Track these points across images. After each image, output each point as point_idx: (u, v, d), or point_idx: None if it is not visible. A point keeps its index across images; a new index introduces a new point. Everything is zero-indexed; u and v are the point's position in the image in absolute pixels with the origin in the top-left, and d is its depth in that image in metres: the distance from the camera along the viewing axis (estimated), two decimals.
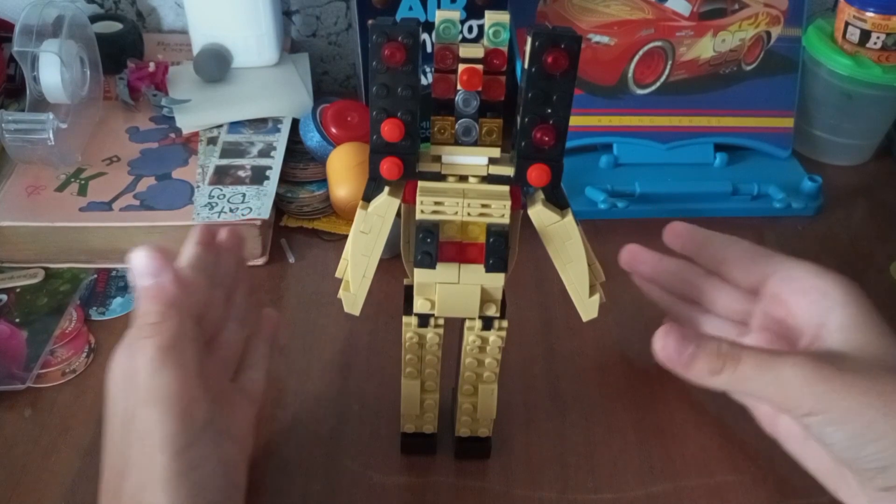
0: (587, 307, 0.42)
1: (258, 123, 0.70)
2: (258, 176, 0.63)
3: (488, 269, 0.39)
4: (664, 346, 0.43)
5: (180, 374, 0.37)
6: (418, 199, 0.38)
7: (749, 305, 0.48)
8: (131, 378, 0.37)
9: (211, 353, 0.43)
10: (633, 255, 0.54)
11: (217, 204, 0.60)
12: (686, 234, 0.52)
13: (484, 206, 0.38)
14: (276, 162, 0.65)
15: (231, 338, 0.45)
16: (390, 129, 0.37)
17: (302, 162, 0.68)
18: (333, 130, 0.66)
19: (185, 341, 0.38)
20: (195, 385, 0.38)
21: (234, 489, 0.40)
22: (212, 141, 0.68)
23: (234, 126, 0.69)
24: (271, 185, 0.62)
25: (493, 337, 0.43)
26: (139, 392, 0.37)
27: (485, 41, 0.37)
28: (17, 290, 0.57)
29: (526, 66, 0.36)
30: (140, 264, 0.39)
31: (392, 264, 0.50)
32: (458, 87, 0.37)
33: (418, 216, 0.39)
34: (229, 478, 0.39)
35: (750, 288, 0.48)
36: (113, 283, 0.59)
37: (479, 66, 0.36)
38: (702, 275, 0.51)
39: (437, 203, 0.38)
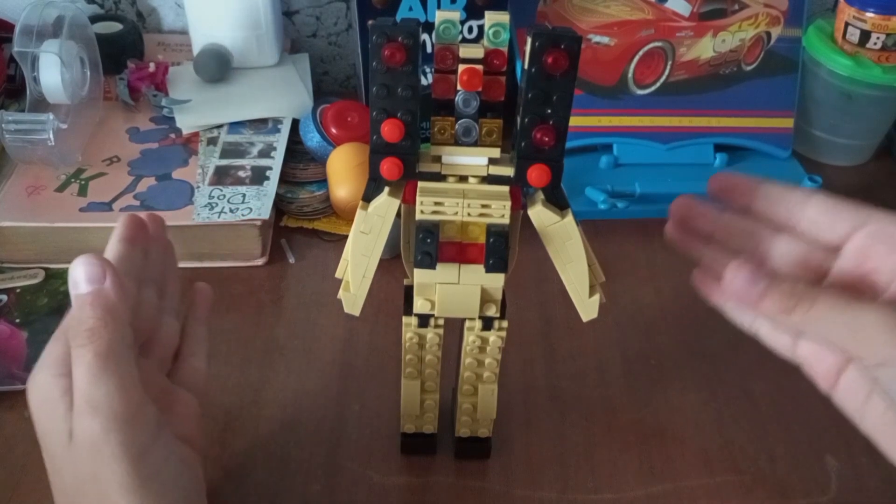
0: (587, 307, 0.42)
1: (258, 124, 0.70)
2: (258, 176, 0.63)
3: (488, 270, 0.39)
4: (733, 278, 0.39)
5: (123, 382, 0.35)
6: (418, 199, 0.38)
7: (823, 263, 0.43)
8: (64, 392, 0.35)
9: (147, 354, 0.41)
10: (689, 209, 0.46)
11: (217, 204, 0.60)
12: (745, 186, 0.45)
13: (484, 206, 0.38)
14: (276, 162, 0.65)
15: (167, 333, 0.43)
16: (390, 130, 0.37)
17: (302, 162, 0.68)
18: (333, 131, 0.66)
19: (123, 348, 0.36)
20: (139, 391, 0.36)
21: (197, 486, 0.39)
22: (212, 141, 0.68)
23: (235, 126, 0.69)
24: (271, 186, 0.62)
25: (493, 337, 0.43)
26: (78, 404, 0.35)
27: (485, 41, 0.37)
28: (18, 290, 0.57)
29: (526, 66, 0.36)
30: (79, 272, 0.37)
31: (392, 264, 0.50)
32: (459, 87, 0.37)
33: (418, 216, 0.39)
34: (191, 476, 0.39)
35: (829, 244, 0.43)
36: None
37: (479, 67, 0.36)
38: (769, 231, 0.45)
39: (437, 203, 0.38)
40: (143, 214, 0.45)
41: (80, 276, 0.37)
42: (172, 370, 0.43)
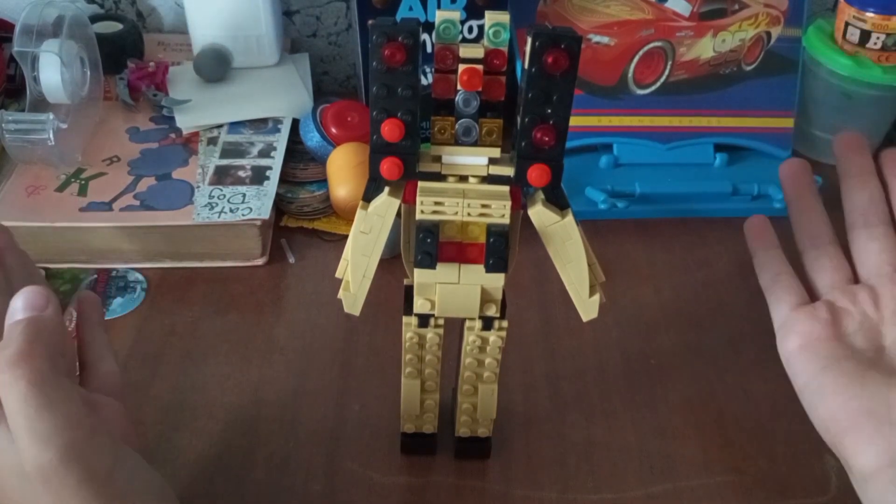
0: (587, 307, 0.42)
1: (258, 123, 0.70)
2: (258, 176, 0.63)
3: (488, 270, 0.39)
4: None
5: (69, 410, 0.33)
6: (418, 199, 0.38)
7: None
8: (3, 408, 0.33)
9: None
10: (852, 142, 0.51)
11: (217, 204, 0.60)
12: None
13: (484, 206, 0.38)
14: (276, 162, 0.65)
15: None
16: (390, 129, 0.37)
17: (302, 162, 0.68)
18: (333, 130, 0.66)
19: (57, 375, 0.34)
20: (88, 416, 0.34)
21: (167, 491, 0.38)
22: (212, 141, 0.68)
23: (235, 126, 0.69)
24: (271, 186, 0.62)
25: (493, 337, 0.43)
26: (21, 437, 0.33)
27: (485, 41, 0.37)
28: None
29: (526, 66, 0.36)
30: (19, 301, 0.35)
31: (392, 264, 0.50)
32: (459, 87, 0.37)
33: (418, 216, 0.39)
34: (160, 483, 0.38)
35: None
36: (113, 284, 0.59)
37: (480, 67, 0.36)
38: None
39: (437, 203, 0.38)
40: None
41: (19, 304, 0.35)
42: (85, 380, 0.40)
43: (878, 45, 0.70)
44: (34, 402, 0.32)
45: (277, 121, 0.70)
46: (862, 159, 0.51)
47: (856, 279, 0.48)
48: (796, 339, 0.45)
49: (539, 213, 0.39)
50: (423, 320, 0.42)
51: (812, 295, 0.48)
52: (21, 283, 0.40)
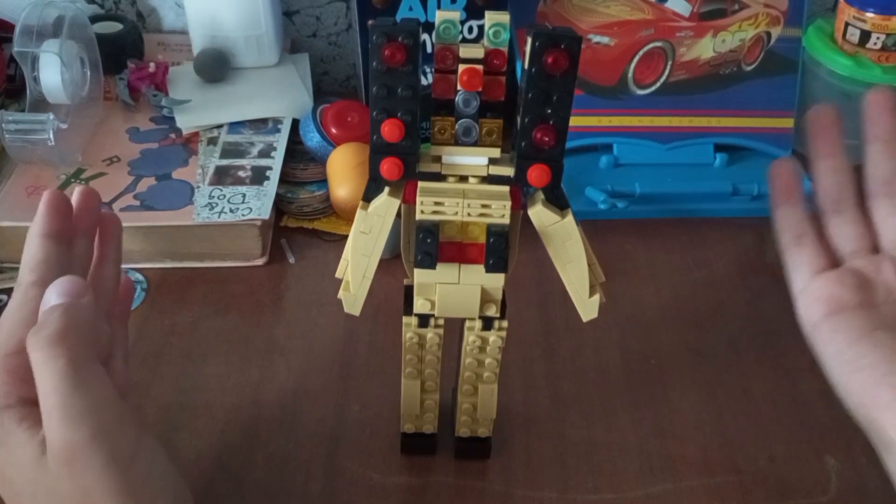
0: (587, 307, 0.42)
1: (258, 124, 0.70)
2: (258, 176, 0.63)
3: (488, 270, 0.39)
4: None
5: (102, 394, 0.34)
6: (418, 199, 0.38)
7: None
8: (20, 420, 0.34)
9: None
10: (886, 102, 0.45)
11: (217, 204, 0.60)
12: None
13: (484, 206, 0.38)
14: (276, 162, 0.65)
15: (103, 338, 0.39)
16: (390, 130, 0.37)
17: (302, 162, 0.68)
18: (333, 131, 0.66)
19: (92, 358, 0.35)
20: (119, 401, 0.35)
21: (183, 486, 0.39)
22: (212, 141, 0.68)
23: (235, 126, 0.69)
24: (271, 186, 0.62)
25: (493, 337, 0.43)
26: (54, 418, 0.33)
27: (485, 41, 0.37)
28: None
29: (526, 66, 0.36)
30: (54, 289, 0.36)
31: (392, 264, 0.50)
32: (459, 87, 0.37)
33: (418, 216, 0.39)
34: (178, 478, 0.38)
35: None
36: None
37: (480, 67, 0.36)
38: None
39: (437, 203, 0.38)
40: (77, 193, 0.41)
41: (53, 292, 0.36)
42: None
43: (878, 46, 0.70)
44: (70, 382, 0.33)
45: (277, 121, 0.70)
46: (893, 123, 0.45)
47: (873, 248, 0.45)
48: (822, 306, 0.42)
49: (539, 213, 0.39)
50: (423, 320, 0.42)
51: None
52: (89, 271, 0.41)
